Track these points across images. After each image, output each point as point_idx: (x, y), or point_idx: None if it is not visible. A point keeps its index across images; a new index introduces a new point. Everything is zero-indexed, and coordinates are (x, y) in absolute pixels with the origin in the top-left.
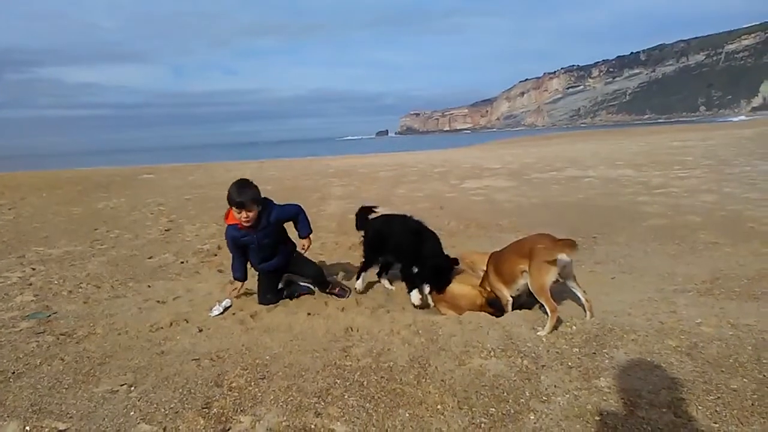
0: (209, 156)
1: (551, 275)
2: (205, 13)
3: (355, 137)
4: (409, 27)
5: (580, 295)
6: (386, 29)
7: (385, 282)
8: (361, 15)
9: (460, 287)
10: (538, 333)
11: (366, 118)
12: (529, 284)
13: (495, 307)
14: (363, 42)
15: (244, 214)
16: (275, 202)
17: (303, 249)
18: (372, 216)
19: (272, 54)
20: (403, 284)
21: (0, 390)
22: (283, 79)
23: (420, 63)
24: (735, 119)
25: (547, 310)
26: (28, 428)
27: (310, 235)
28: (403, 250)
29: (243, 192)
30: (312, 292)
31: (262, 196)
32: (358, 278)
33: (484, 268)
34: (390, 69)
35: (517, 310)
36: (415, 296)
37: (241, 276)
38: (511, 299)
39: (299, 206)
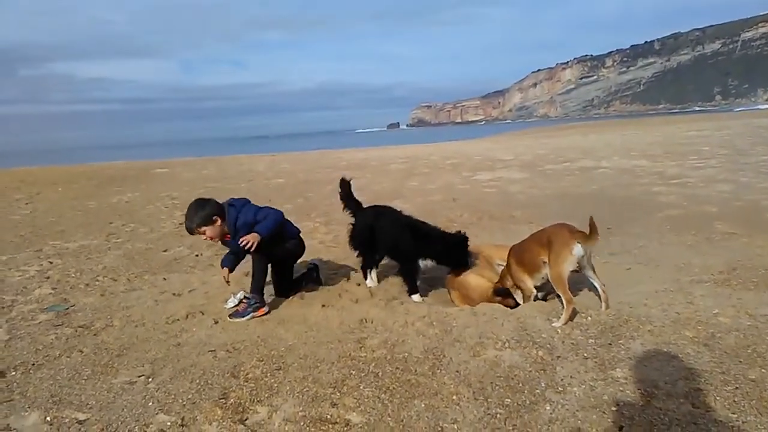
0: (221, 150)
1: (569, 264)
2: (212, 6)
3: (367, 130)
4: (418, 18)
5: (597, 285)
6: (395, 20)
7: (371, 277)
8: (369, 6)
9: (475, 279)
10: (554, 324)
11: (377, 111)
12: (548, 273)
13: (502, 295)
14: (372, 34)
15: (202, 237)
16: (251, 203)
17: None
18: (360, 202)
19: (281, 47)
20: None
21: (21, 381)
22: (293, 72)
23: (430, 54)
24: (762, 107)
25: (563, 301)
26: (48, 418)
27: (259, 234)
28: (400, 249)
29: (188, 220)
30: (318, 283)
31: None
32: (365, 278)
33: (500, 261)
34: (400, 61)
35: (532, 302)
36: (417, 298)
37: (228, 265)
38: (534, 291)
39: (275, 211)
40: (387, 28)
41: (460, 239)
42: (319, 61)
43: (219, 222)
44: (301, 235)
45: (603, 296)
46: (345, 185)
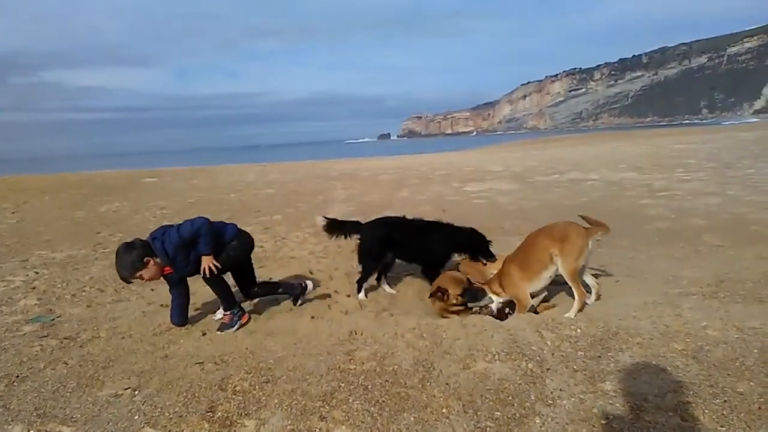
0: (212, 159)
1: (582, 259)
2: (207, 15)
3: (357, 140)
4: (410, 29)
5: (590, 282)
6: (388, 32)
7: (385, 287)
8: (362, 18)
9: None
10: (565, 315)
11: (368, 121)
12: (561, 268)
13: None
14: (364, 45)
15: (141, 281)
16: (170, 226)
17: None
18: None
19: (274, 57)
20: (406, 287)
21: (4, 394)
22: (285, 82)
23: (422, 66)
24: (751, 120)
25: (576, 294)
26: None
27: (207, 254)
28: (432, 252)
29: (120, 269)
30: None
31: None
32: (359, 291)
33: (495, 272)
34: (392, 72)
35: (521, 314)
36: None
37: (178, 321)
38: (531, 301)
39: (201, 222)
40: (380, 39)
41: (478, 232)
42: (312, 71)
43: (152, 261)
44: (240, 227)
45: (596, 288)
46: (329, 224)
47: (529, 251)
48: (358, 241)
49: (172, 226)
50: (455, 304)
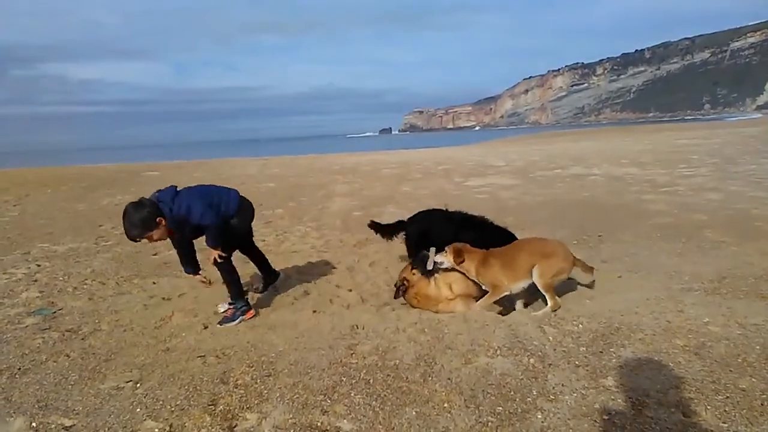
0: (212, 153)
1: (558, 280)
2: (207, 9)
3: (359, 135)
4: (411, 24)
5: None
6: (389, 26)
7: None
8: (363, 12)
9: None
10: (532, 313)
11: (369, 116)
12: (538, 278)
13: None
14: (365, 39)
15: (148, 242)
16: (177, 192)
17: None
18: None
19: (275, 51)
20: None
21: (6, 386)
22: (286, 76)
23: (423, 60)
24: (755, 116)
25: (548, 299)
26: (34, 424)
27: (215, 246)
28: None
29: (131, 228)
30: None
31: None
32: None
33: None
34: (393, 66)
35: (524, 309)
36: None
37: (191, 270)
38: (508, 292)
39: (208, 223)
40: (380, 33)
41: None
42: (312, 66)
43: (163, 221)
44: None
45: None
46: (375, 226)
47: (515, 255)
48: (405, 237)
49: (178, 193)
50: (417, 283)
